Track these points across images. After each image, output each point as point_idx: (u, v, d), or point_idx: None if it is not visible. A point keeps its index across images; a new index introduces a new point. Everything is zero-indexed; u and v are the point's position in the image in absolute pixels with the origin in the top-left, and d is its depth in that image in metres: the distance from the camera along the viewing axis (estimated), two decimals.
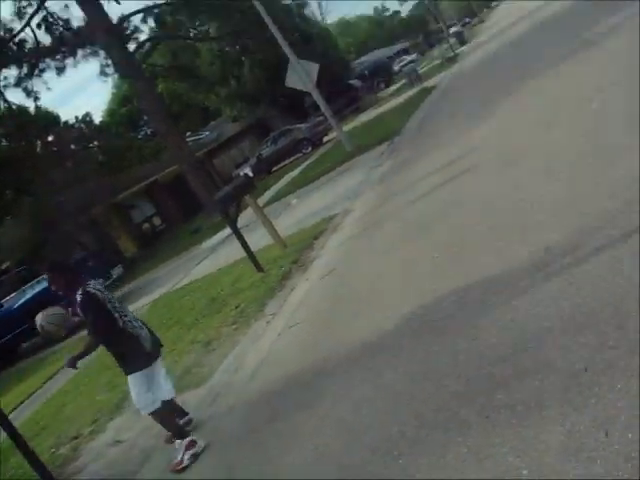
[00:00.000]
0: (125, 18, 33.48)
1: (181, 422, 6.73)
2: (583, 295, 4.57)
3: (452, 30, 76.56)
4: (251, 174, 31.82)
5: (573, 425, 3.39)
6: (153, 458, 6.85)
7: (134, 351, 6.19)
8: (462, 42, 60.04)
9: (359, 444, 4.57)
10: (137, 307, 17.17)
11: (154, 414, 6.37)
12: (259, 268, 11.46)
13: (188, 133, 50.79)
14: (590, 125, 8.69)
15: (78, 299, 5.95)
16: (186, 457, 6.14)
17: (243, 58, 49.09)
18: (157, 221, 43.86)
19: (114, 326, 6.05)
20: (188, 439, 6.24)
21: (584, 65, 12.95)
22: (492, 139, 11.76)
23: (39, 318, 6.06)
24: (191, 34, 45.31)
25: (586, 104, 9.65)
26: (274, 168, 39.59)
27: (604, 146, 7.50)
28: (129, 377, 6.23)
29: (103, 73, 36.08)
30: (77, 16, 58.69)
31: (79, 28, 33.25)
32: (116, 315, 6.08)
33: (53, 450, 8.85)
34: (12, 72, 32.12)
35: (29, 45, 32.31)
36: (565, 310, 4.52)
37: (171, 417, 6.56)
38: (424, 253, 7.81)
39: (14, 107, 34.67)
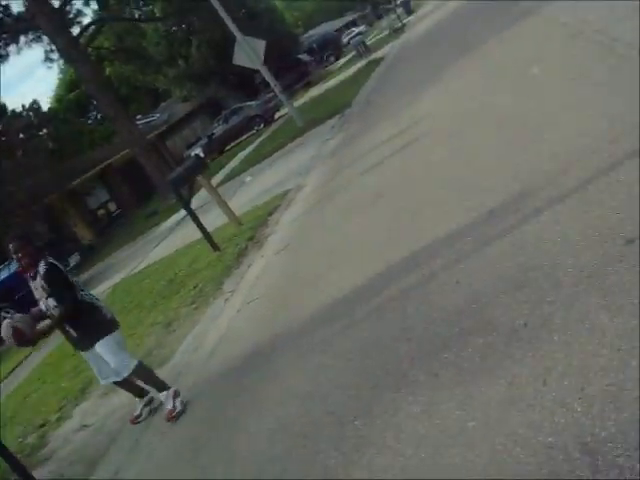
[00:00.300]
0: (67, 2, 33.00)
1: (143, 400, 6.94)
2: (523, 254, 4.77)
3: (399, 0, 76.47)
4: (202, 154, 31.75)
5: (514, 377, 3.58)
6: (120, 440, 6.96)
7: (99, 318, 6.37)
8: (409, 12, 60.02)
9: (317, 410, 4.73)
10: (97, 293, 17.00)
11: (136, 372, 6.54)
12: (215, 247, 11.55)
13: (138, 116, 50.29)
14: (530, 90, 8.89)
15: (42, 270, 6.07)
16: (177, 404, 6.39)
17: (190, 37, 48.68)
18: (112, 207, 43.50)
19: (77, 297, 6.19)
20: (172, 389, 6.53)
21: (524, 32, 13.16)
22: (439, 107, 11.95)
23: (6, 324, 5.99)
24: (136, 15, 44.86)
25: (527, 69, 9.84)
26: (227, 147, 39.46)
27: (544, 110, 7.71)
28: (99, 345, 6.32)
29: (48, 59, 35.64)
30: (18, 1, 57.55)
31: (20, 14, 32.74)
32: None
33: (20, 439, 8.91)
34: None
35: None
36: (507, 270, 4.71)
37: (151, 372, 6.82)
38: (375, 224, 7.98)
39: None
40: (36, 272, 6.12)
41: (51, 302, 6.11)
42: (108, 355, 6.38)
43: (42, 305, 6.19)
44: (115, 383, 6.82)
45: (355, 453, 3.96)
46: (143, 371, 6.67)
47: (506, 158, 7.02)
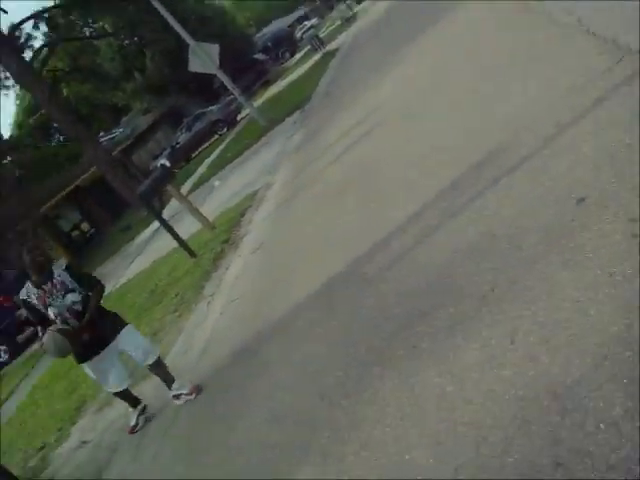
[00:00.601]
0: (16, 27, 32.82)
1: (137, 410, 7.11)
2: (485, 224, 5.00)
3: None
4: (168, 164, 31.77)
5: (485, 340, 3.79)
6: (119, 452, 7.12)
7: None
8: (359, 0, 60.27)
9: (308, 396, 4.92)
10: None
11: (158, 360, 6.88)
12: (192, 254, 11.70)
13: (101, 133, 50.17)
14: (480, 68, 9.11)
15: (62, 267, 6.48)
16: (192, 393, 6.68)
17: (143, 50, 48.56)
18: (86, 226, 43.37)
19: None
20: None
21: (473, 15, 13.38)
22: (395, 93, 12.16)
23: (49, 334, 6.10)
24: (86, 33, 44.66)
25: (479, 47, 10.07)
26: (193, 154, 39.47)
27: (494, 83, 7.93)
28: (126, 333, 6.69)
29: (3, 86, 35.45)
30: None
31: None
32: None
33: (22, 465, 9.02)
34: None
35: None
36: (471, 240, 4.94)
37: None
38: (343, 213, 8.17)
39: None
40: (47, 275, 6.24)
41: (70, 298, 6.24)
42: (138, 338, 6.79)
43: (51, 312, 6.24)
44: (115, 394, 7.03)
45: (346, 430, 4.16)
46: (161, 361, 6.98)
47: (461, 133, 7.25)
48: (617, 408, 2.77)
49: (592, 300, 3.41)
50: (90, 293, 6.42)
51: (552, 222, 4.31)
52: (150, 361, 6.76)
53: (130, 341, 6.66)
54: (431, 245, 5.44)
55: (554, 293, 3.70)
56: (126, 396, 7.08)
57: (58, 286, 6.23)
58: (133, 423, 7.07)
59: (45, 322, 6.26)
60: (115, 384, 6.83)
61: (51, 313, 6.22)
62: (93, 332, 6.40)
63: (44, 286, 6.24)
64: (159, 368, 6.88)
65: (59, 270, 6.31)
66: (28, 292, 6.29)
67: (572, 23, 7.34)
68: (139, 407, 7.13)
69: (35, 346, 20.10)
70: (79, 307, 6.29)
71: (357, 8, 52.41)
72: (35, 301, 6.24)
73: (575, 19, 7.34)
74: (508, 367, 3.47)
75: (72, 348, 6.26)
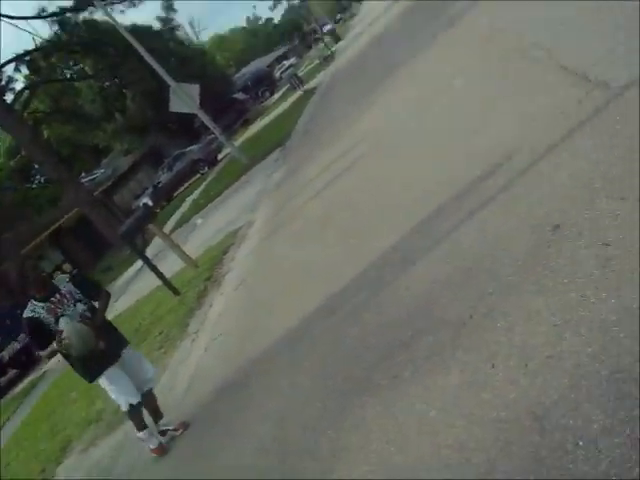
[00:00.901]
0: None
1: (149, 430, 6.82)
2: (461, 256, 5.11)
3: (326, 29, 77.45)
4: (150, 203, 31.84)
5: (465, 365, 3.88)
6: None
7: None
8: (337, 39, 61.04)
9: (292, 427, 4.98)
10: None
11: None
12: (175, 292, 11.73)
13: (82, 174, 50.18)
14: (454, 102, 9.30)
15: (68, 278, 6.39)
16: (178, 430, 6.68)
17: (124, 90, 48.89)
18: (68, 267, 43.16)
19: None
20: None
21: (449, 45, 13.66)
22: (373, 130, 12.31)
23: (71, 325, 5.95)
24: (67, 75, 44.93)
25: (451, 82, 10.26)
26: (174, 193, 39.58)
27: (468, 121, 8.10)
28: (129, 350, 6.61)
29: None
30: None
31: None
32: None
33: None
34: None
35: None
36: (449, 271, 5.04)
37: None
38: (324, 249, 8.26)
39: None
40: (51, 289, 6.16)
41: (80, 307, 6.16)
42: (141, 359, 6.75)
43: (62, 323, 5.97)
44: (131, 410, 6.50)
45: (332, 459, 4.21)
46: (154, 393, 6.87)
47: (437, 167, 7.39)
48: (595, 425, 2.85)
49: (568, 323, 3.51)
50: (96, 302, 6.36)
51: (528, 249, 4.42)
52: (148, 387, 6.59)
53: (133, 361, 6.50)
54: (411, 275, 5.54)
55: (531, 319, 3.79)
56: (139, 413, 6.60)
57: (67, 296, 6.14)
58: (155, 443, 6.65)
59: (50, 339, 6.11)
60: (133, 396, 6.42)
61: (62, 323, 5.97)
62: (106, 340, 6.21)
63: (52, 299, 6.11)
64: (152, 399, 6.74)
65: (63, 282, 6.28)
66: (34, 309, 6.12)
67: (542, 57, 7.54)
68: (149, 428, 6.69)
69: (18, 389, 19.98)
70: (89, 314, 6.19)
71: (335, 47, 53.03)
72: (44, 314, 6.08)
73: (545, 53, 7.55)
74: (489, 390, 3.55)
75: (90, 349, 6.01)
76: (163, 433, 6.71)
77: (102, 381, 6.41)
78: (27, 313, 6.13)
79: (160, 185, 39.16)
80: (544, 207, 4.75)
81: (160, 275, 11.89)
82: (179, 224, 23.87)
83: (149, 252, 12.51)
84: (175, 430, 6.65)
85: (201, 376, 7.86)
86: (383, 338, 4.95)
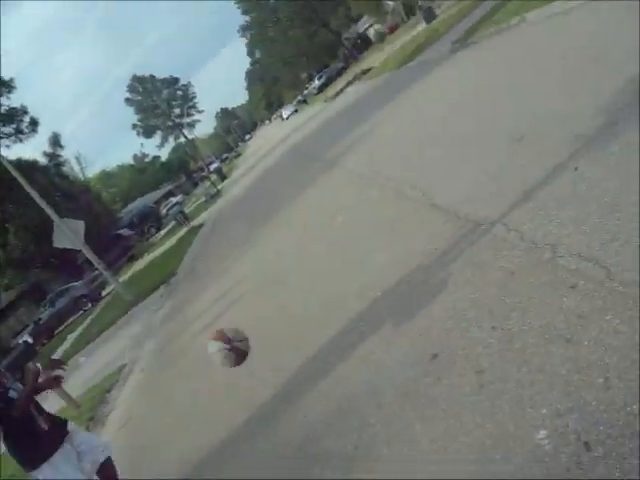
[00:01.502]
0: None
1: None
2: (345, 387, 5.27)
3: (212, 167, 79.12)
4: (31, 340, 30.79)
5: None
6: None
7: None
8: (223, 177, 62.43)
9: None
10: None
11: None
12: None
13: None
14: (336, 239, 9.69)
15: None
16: None
17: (6, 224, 47.99)
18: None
19: None
20: None
21: (330, 186, 14.27)
22: (257, 267, 12.56)
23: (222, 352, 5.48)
24: None
25: (331, 223, 10.70)
26: (56, 330, 38.42)
27: (350, 256, 8.45)
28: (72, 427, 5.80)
29: None
30: None
31: None
32: None
33: None
34: None
35: None
36: (333, 402, 5.18)
37: None
38: (209, 385, 8.24)
39: None
40: None
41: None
42: (86, 434, 6.05)
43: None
44: None
45: None
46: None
47: (320, 302, 7.63)
48: None
49: (446, 450, 3.68)
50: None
51: (409, 378, 4.61)
52: (105, 456, 5.72)
53: (80, 437, 5.70)
54: (295, 410, 5.64)
55: (411, 447, 3.94)
56: None
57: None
58: None
59: None
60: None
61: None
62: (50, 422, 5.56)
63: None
64: (113, 470, 5.85)
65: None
66: None
67: (417, 196, 8.06)
68: None
69: None
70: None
71: (221, 185, 54.09)
72: None
73: (419, 193, 8.08)
74: None
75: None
76: None
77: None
78: None
79: (41, 322, 37.97)
80: (423, 338, 5.00)
81: None
82: None
83: None
84: None
85: None
86: (273, 469, 5.00)
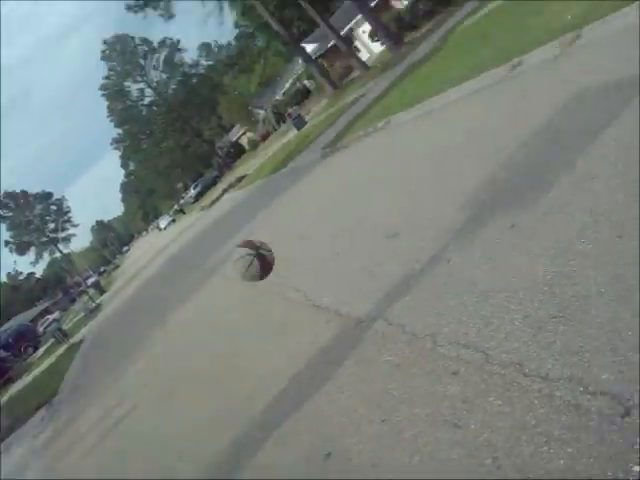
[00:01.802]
0: None
1: None
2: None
3: (90, 281, 77.56)
4: None
5: None
6: None
7: None
8: (102, 291, 61.26)
9: None
10: None
11: None
12: None
13: None
14: (218, 342, 9.68)
15: None
16: None
17: None
18: None
19: None
20: None
21: (211, 292, 14.26)
22: (140, 381, 12.32)
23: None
24: None
25: (213, 326, 10.69)
26: None
27: (235, 357, 8.44)
28: None
29: None
30: None
31: None
32: None
33: None
34: None
35: None
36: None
37: None
38: None
39: None
40: None
41: None
42: None
43: None
44: None
45: None
46: None
47: (218, 402, 7.55)
48: None
49: None
50: None
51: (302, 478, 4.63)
52: None
53: None
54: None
55: None
56: None
57: None
58: None
59: None
60: None
61: None
62: None
63: None
64: None
65: None
66: None
67: (300, 299, 8.22)
68: None
69: None
70: None
71: (100, 299, 52.98)
72: None
73: (302, 295, 8.24)
74: None
75: None
76: None
77: None
78: None
79: None
80: (316, 436, 5.01)
81: None
82: None
83: None
84: None
85: None
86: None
